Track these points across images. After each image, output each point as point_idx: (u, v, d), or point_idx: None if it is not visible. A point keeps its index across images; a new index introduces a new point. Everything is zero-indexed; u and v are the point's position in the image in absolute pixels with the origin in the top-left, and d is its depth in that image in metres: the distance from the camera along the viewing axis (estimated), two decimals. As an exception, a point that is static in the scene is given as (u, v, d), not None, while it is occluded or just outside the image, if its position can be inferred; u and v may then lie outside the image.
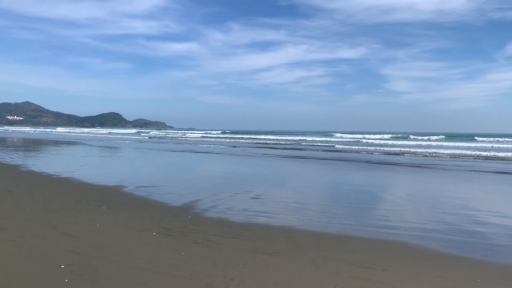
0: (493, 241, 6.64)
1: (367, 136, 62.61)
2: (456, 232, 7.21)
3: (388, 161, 23.45)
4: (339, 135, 70.64)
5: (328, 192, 11.84)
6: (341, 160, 24.39)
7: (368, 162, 22.90)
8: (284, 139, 56.84)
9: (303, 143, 49.43)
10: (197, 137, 68.74)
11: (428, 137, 60.54)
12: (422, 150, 34.38)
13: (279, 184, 13.17)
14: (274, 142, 51.38)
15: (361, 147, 37.87)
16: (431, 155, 29.67)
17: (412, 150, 34.00)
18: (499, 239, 6.79)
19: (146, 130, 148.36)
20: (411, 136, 65.06)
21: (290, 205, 9.39)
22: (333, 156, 27.82)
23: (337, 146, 41.18)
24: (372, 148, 37.08)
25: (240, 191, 11.06)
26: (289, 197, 10.54)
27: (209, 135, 76.67)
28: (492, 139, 53.77)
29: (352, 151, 34.21)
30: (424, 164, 22.08)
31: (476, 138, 57.68)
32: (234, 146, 40.24)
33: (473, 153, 30.58)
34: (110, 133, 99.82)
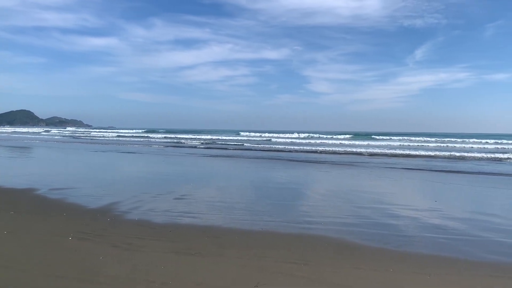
0: (404, 233, 7.10)
1: (275, 135, 64.44)
2: (371, 225, 7.62)
3: (308, 159, 24.30)
4: (264, 134, 71.96)
5: (253, 190, 11.94)
6: (261, 158, 24.80)
7: (291, 160, 23.53)
8: (208, 138, 56.76)
9: (223, 142, 49.59)
10: (113, 136, 66.01)
11: (337, 135, 64.38)
12: (331, 148, 36.08)
13: (204, 184, 13.03)
14: (201, 140, 50.99)
15: (274, 146, 38.89)
16: (334, 152, 31.24)
17: (327, 148, 35.56)
18: (410, 230, 7.29)
19: (59, 129, 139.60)
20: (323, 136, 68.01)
21: (215, 204, 9.32)
22: (255, 155, 28.21)
23: (246, 144, 42.07)
24: (282, 146, 38.31)
25: (163, 192, 10.76)
26: (214, 196, 10.46)
27: (127, 134, 73.58)
28: (401, 138, 58.22)
29: (265, 149, 34.96)
30: (341, 162, 23.18)
31: (373, 136, 62.50)
32: (153, 145, 39.17)
33: (389, 151, 32.71)
34: (14, 132, 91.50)
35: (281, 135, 64.50)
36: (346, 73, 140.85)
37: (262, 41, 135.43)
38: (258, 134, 69.59)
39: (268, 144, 43.25)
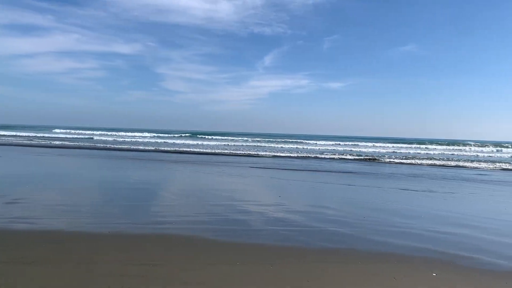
0: (252, 227, 7.55)
1: (129, 133, 62.78)
2: (222, 221, 7.90)
3: (161, 158, 23.97)
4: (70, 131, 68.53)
5: (100, 191, 11.27)
6: (114, 157, 23.60)
7: (142, 159, 22.85)
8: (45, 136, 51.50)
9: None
10: None
11: (174, 134, 65.62)
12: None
13: (43, 185, 11.78)
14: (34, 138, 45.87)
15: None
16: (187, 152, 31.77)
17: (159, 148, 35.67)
18: (257, 224, 7.77)
19: None
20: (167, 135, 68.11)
21: (57, 208, 8.53)
22: (107, 154, 26.69)
23: (96, 138, 39.80)
24: (126, 146, 37.30)
25: (-8, 196, 9.41)
26: (56, 199, 9.55)
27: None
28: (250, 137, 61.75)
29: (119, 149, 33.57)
30: (196, 161, 23.46)
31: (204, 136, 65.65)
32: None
33: (243, 152, 34.16)
34: None
35: (130, 133, 62.50)
36: (201, 73, 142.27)
37: (113, 34, 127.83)
38: (109, 133, 66.07)
39: (120, 144, 41.23)
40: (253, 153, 32.27)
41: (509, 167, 25.93)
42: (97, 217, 7.82)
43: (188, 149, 34.12)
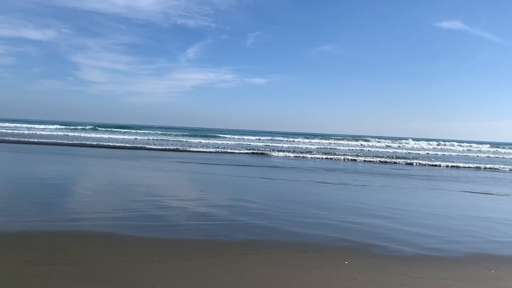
0: (173, 222, 7.43)
1: (41, 126, 58.53)
2: (142, 217, 7.69)
3: (78, 152, 22.72)
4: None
5: (6, 187, 10.39)
6: (21, 151, 21.88)
7: (57, 153, 21.45)
8: None
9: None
10: None
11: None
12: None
13: None
14: None
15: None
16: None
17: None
18: (178, 219, 7.68)
19: None
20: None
21: (-46, 206, 7.72)
22: (14, 147, 24.65)
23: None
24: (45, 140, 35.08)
25: None
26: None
27: None
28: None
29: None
30: (111, 155, 22.54)
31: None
32: None
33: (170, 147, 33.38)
34: None
35: (37, 125, 58.42)
36: (121, 63, 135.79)
37: (23, 18, 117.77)
38: (12, 125, 60.89)
39: (27, 138, 38.25)
40: (173, 148, 31.76)
41: (388, 160, 28.25)
42: (4, 215, 7.21)
43: (94, 143, 32.64)
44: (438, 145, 54.92)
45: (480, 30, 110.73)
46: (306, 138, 58.38)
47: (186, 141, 42.50)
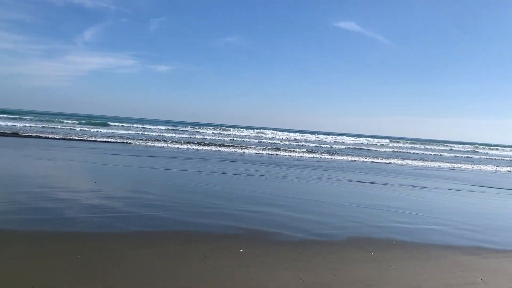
0: (63, 215, 6.98)
1: None
2: (27, 210, 7.12)
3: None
4: None
5: None
6: None
7: None
8: None
9: None
10: None
11: None
12: None
13: None
14: None
15: None
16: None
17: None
18: (69, 212, 7.23)
19: None
20: None
21: None
22: None
23: None
24: None
25: None
26: None
27: None
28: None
29: None
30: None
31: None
32: None
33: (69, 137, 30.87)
34: None
35: None
36: (5, 42, 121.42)
37: None
38: None
39: None
40: (67, 137, 29.67)
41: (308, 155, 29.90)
42: None
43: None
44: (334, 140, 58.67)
45: (373, 32, 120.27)
46: (213, 128, 58.29)
47: (80, 129, 39.70)
